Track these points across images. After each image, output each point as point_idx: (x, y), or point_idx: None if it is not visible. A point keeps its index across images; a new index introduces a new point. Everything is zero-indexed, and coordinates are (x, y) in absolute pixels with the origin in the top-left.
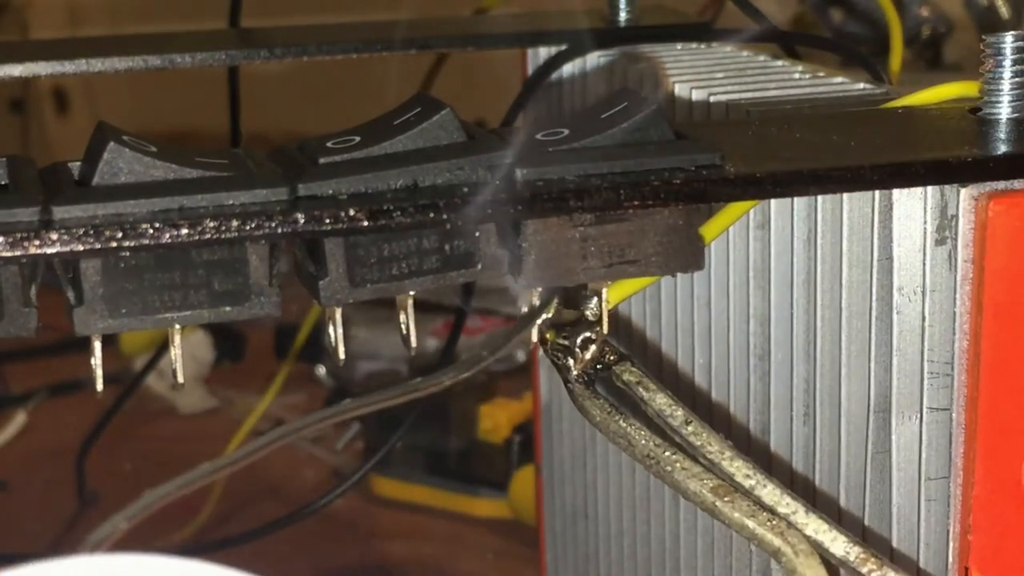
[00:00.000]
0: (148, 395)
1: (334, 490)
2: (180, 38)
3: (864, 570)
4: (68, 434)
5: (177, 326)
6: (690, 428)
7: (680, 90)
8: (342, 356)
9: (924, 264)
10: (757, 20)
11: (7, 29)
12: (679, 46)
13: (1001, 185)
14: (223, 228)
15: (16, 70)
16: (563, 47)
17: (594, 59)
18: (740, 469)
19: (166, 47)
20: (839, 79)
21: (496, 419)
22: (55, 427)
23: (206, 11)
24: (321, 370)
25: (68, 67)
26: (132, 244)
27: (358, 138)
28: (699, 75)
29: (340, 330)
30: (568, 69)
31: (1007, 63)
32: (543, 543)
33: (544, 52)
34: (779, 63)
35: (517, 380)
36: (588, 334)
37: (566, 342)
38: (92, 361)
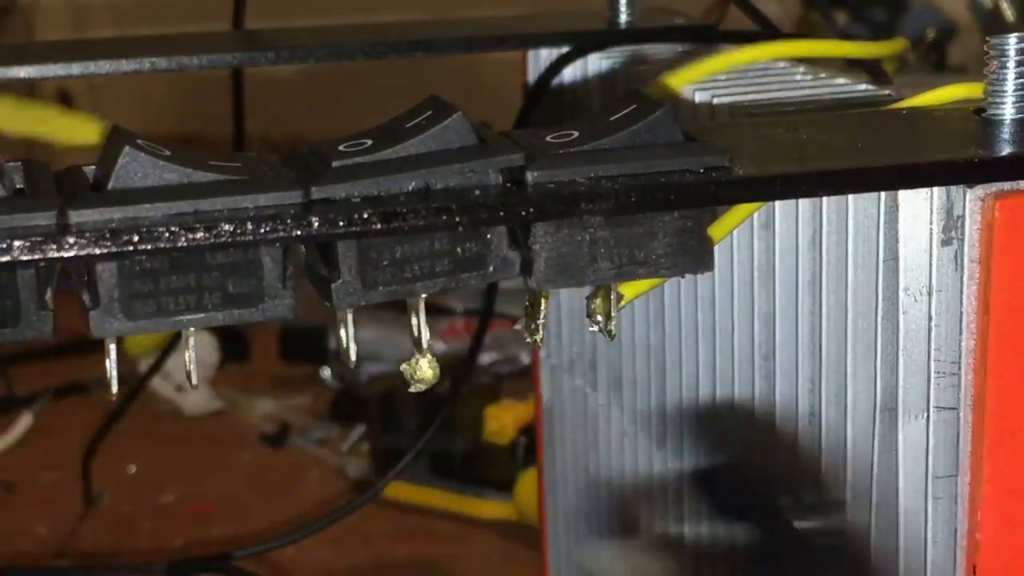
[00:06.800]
0: (153, 397)
1: (357, 500)
2: (186, 40)
3: None
4: (74, 436)
5: (191, 328)
6: None
7: (684, 92)
8: (353, 358)
9: (930, 264)
10: (760, 23)
11: (12, 31)
12: (680, 47)
13: (1007, 185)
14: (238, 231)
15: (21, 72)
16: (564, 49)
17: (595, 61)
18: None
19: (172, 49)
20: (841, 80)
21: (502, 421)
22: (61, 429)
23: (212, 13)
24: (326, 372)
25: (74, 69)
26: (148, 247)
27: (370, 141)
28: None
29: (351, 332)
30: (569, 72)
31: (1011, 64)
32: (545, 544)
33: (545, 54)
34: (781, 64)
35: (523, 382)
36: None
37: None
38: (107, 363)
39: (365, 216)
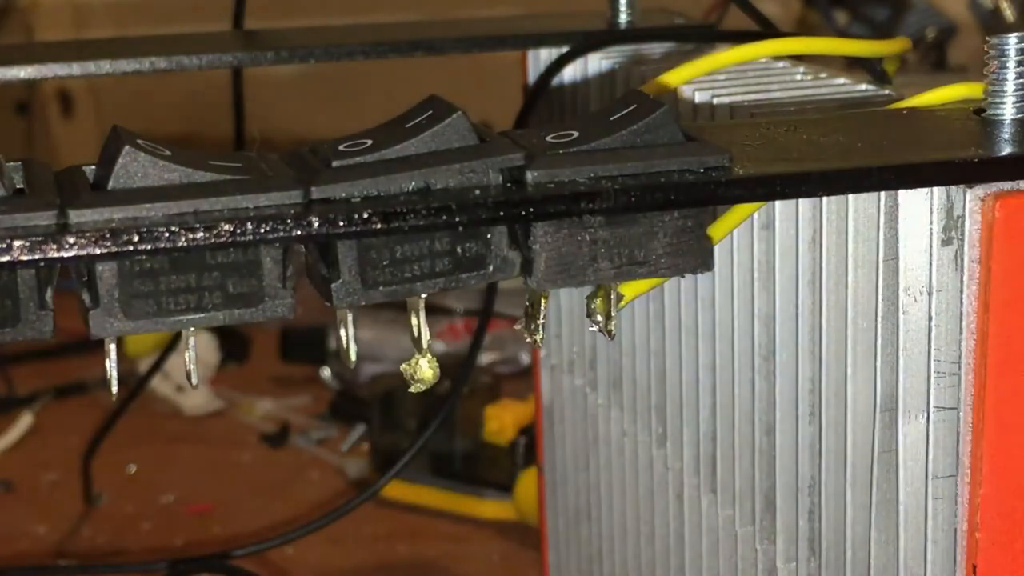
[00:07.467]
0: (153, 397)
1: (356, 500)
2: (186, 40)
3: None
4: (74, 436)
5: (191, 328)
6: None
7: (684, 92)
8: (353, 358)
9: (930, 264)
10: (760, 23)
11: (12, 31)
12: (680, 47)
13: (1007, 185)
14: (238, 231)
15: (21, 72)
16: (564, 49)
17: (595, 61)
18: None
19: (172, 49)
20: (841, 80)
21: (502, 421)
22: (61, 429)
23: (212, 13)
24: (326, 372)
25: (74, 69)
26: (148, 247)
27: (370, 141)
28: (702, 77)
29: (352, 331)
30: (569, 72)
31: (1011, 64)
32: (545, 544)
33: (545, 54)
34: (781, 64)
35: (523, 382)
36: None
37: None
38: (107, 363)
39: (365, 216)
